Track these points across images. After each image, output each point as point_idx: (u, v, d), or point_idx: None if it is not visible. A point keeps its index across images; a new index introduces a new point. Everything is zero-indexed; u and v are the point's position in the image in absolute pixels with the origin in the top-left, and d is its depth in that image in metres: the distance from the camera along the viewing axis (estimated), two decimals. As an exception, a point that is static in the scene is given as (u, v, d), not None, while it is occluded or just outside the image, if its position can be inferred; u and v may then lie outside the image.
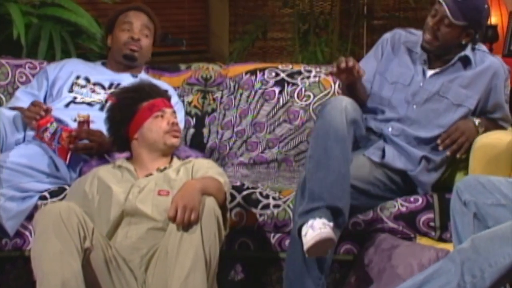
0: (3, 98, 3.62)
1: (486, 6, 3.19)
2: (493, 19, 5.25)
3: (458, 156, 3.20)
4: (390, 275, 2.94)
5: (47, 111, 3.25)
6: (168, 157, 3.02)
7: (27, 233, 3.17)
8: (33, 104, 3.29)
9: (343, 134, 2.96)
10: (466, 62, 3.25)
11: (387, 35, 3.42)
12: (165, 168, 2.95)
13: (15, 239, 3.18)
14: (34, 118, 3.22)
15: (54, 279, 2.57)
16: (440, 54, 3.25)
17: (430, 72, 3.26)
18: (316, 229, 2.78)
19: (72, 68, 3.61)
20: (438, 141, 3.20)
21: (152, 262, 2.78)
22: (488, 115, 3.30)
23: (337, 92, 3.70)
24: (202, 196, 2.71)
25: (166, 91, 3.12)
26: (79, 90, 3.53)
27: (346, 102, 3.03)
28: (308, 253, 2.81)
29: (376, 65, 3.36)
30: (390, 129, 3.23)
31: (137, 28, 3.61)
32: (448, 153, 3.19)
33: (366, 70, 3.23)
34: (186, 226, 2.63)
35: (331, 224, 2.82)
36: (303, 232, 2.82)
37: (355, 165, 3.03)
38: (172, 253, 2.64)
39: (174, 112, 3.05)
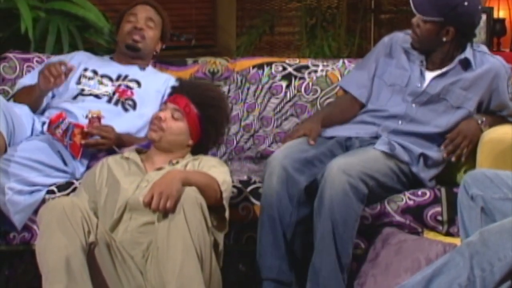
0: (11, 92, 3.62)
1: (465, 2, 3.13)
2: (501, 13, 5.24)
3: (462, 159, 3.20)
4: (397, 269, 2.94)
5: (67, 70, 3.26)
6: (174, 153, 2.98)
7: (35, 227, 3.17)
8: (52, 63, 3.28)
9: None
10: (466, 64, 3.24)
11: (385, 39, 3.43)
12: (177, 162, 2.94)
13: (23, 233, 3.19)
14: (54, 75, 3.22)
15: (60, 273, 2.57)
16: (425, 52, 3.25)
17: (429, 74, 3.26)
18: None
19: (80, 60, 3.62)
20: (442, 147, 3.20)
21: (148, 258, 2.77)
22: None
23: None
24: (183, 186, 2.68)
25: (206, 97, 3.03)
26: (86, 82, 3.54)
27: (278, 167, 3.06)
28: None
29: (368, 72, 3.37)
30: (389, 124, 3.24)
31: (142, 19, 3.63)
32: (452, 159, 3.19)
33: (361, 77, 3.36)
34: (162, 212, 2.61)
35: None
36: None
37: (371, 159, 3.04)
38: (162, 248, 2.62)
39: (175, 110, 2.95)
